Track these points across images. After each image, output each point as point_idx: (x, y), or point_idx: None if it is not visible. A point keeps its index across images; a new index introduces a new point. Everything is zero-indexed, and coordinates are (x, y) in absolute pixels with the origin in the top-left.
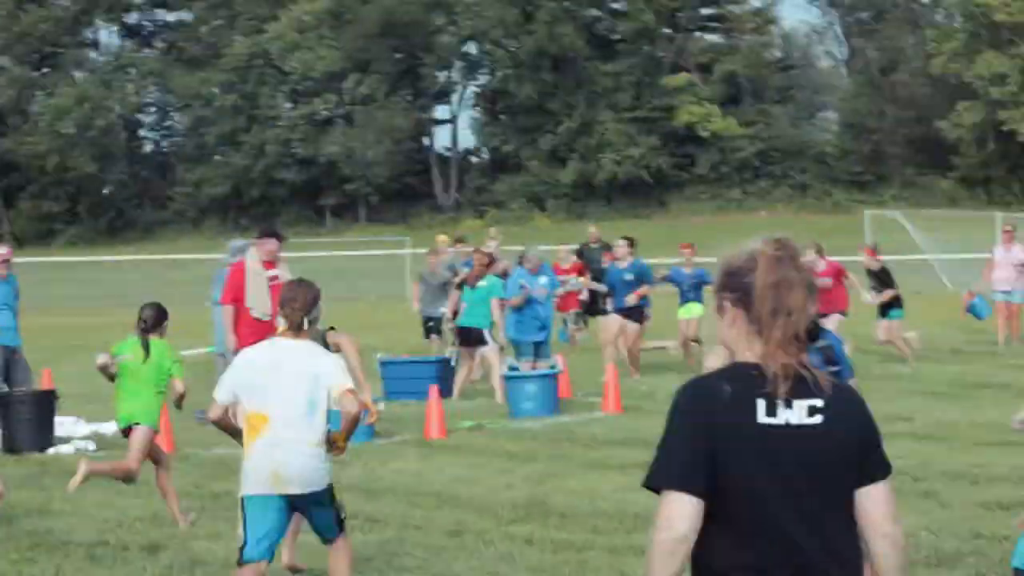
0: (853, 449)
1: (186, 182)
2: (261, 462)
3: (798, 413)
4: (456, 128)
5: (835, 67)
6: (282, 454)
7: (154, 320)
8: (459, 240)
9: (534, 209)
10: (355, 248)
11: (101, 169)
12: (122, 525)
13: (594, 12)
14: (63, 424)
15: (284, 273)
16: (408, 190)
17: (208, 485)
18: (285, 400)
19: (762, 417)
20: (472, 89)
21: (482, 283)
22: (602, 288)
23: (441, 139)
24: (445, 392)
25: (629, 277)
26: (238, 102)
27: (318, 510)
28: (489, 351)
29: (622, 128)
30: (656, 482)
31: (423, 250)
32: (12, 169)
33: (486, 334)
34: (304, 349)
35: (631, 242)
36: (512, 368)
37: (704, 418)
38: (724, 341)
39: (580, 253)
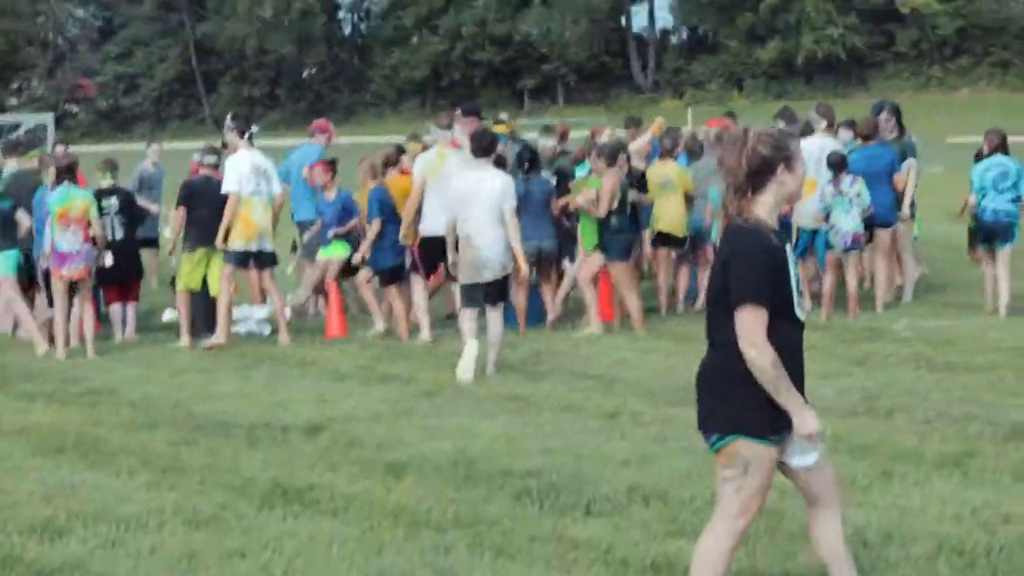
0: None
1: (384, 65)
2: None
3: None
4: (653, 7)
5: None
6: None
7: None
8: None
9: (732, 89)
10: None
11: (300, 52)
12: (286, 407)
13: None
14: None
15: None
16: (606, 71)
17: (377, 367)
18: None
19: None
20: None
21: None
22: None
23: (639, 19)
24: None
25: None
26: None
27: None
28: None
29: (821, 5)
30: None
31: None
32: (211, 54)
33: None
34: None
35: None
36: None
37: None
38: None
39: None
